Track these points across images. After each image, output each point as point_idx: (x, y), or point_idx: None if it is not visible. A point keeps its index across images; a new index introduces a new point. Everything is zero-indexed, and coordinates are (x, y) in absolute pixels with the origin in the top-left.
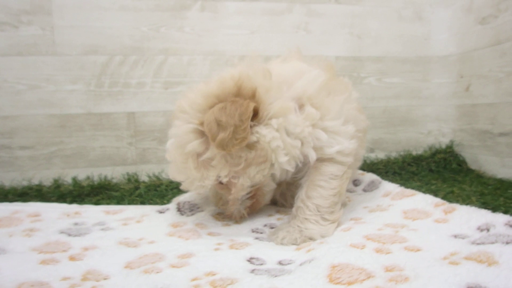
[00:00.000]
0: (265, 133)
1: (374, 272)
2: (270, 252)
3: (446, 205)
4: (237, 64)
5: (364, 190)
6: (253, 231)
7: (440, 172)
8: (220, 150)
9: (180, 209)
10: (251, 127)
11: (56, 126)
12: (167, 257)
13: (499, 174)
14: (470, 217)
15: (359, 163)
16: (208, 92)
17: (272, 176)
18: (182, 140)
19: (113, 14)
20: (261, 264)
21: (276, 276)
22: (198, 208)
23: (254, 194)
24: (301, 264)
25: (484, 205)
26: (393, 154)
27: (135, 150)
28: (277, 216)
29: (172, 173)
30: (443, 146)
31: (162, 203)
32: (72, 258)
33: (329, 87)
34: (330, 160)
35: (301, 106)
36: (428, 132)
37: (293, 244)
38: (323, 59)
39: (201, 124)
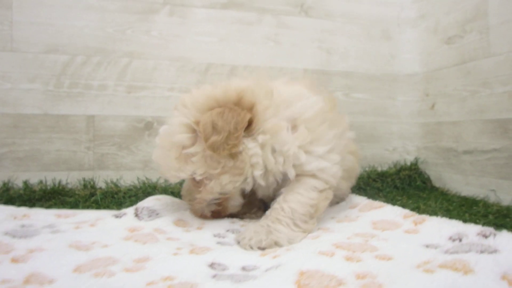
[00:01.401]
0: (250, 147)
1: (345, 279)
2: (233, 257)
3: (416, 216)
4: (245, 77)
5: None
6: (214, 236)
7: (405, 188)
8: (210, 151)
9: (138, 215)
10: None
11: (9, 126)
12: (122, 261)
13: (463, 192)
14: (440, 227)
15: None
16: (211, 95)
17: (242, 190)
18: (174, 129)
19: (77, 12)
20: (223, 270)
21: (239, 281)
22: (157, 214)
23: (221, 202)
24: (266, 270)
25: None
26: (359, 170)
27: (93, 155)
28: (241, 222)
29: (155, 156)
30: (408, 163)
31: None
32: (14, 260)
33: (325, 117)
34: (312, 175)
35: (294, 127)
36: (393, 149)
37: (259, 246)
38: (327, 91)
39: (197, 122)
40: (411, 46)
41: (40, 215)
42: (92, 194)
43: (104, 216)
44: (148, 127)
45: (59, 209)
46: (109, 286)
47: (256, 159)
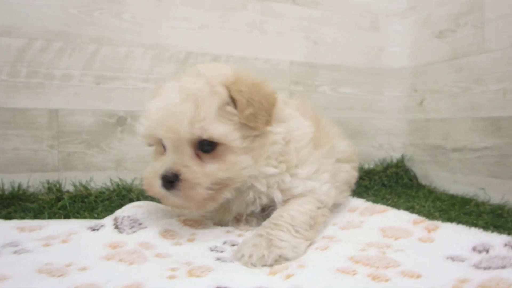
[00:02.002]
0: (276, 131)
1: None
2: (239, 278)
3: (427, 222)
4: None
5: None
6: (211, 250)
7: (392, 186)
8: (246, 121)
9: (118, 226)
10: None
11: None
12: None
13: (450, 189)
14: (458, 236)
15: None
16: (235, 70)
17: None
18: (212, 81)
19: None
20: None
21: None
22: (140, 224)
23: (219, 188)
24: None
25: (450, 221)
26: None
27: (57, 154)
28: (237, 232)
29: (171, 100)
30: (394, 161)
31: (92, 217)
32: None
33: (310, 138)
34: (304, 196)
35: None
36: (379, 146)
37: (263, 264)
38: (311, 110)
39: (226, 87)
40: (400, 39)
41: None
42: (59, 199)
43: (77, 229)
44: (121, 122)
45: (21, 220)
46: None
47: (275, 148)
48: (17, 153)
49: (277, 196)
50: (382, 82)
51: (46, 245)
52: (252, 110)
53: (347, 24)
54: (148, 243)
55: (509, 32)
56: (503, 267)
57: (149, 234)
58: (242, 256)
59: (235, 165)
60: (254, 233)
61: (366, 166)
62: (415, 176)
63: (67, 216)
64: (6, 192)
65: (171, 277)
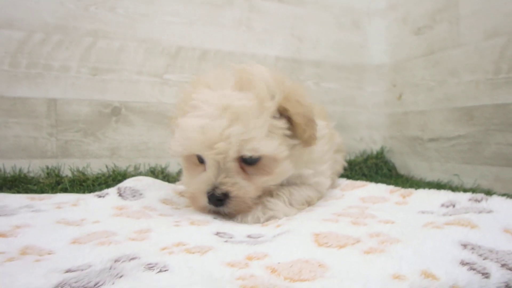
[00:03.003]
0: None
1: (361, 238)
2: (236, 227)
3: (402, 190)
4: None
5: None
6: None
7: (372, 176)
8: (306, 144)
9: (121, 194)
10: None
11: None
12: (121, 233)
13: (427, 177)
14: (430, 198)
15: None
16: (274, 77)
17: None
18: (258, 93)
19: None
20: (231, 237)
21: (255, 244)
22: (140, 194)
23: (264, 193)
24: (275, 236)
25: None
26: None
27: (56, 141)
28: None
29: (214, 126)
30: (374, 152)
31: None
32: (2, 235)
33: (328, 140)
34: (310, 185)
35: None
36: (361, 139)
37: (256, 223)
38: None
39: (281, 107)
40: (380, 37)
41: (11, 198)
42: (58, 183)
43: (85, 197)
44: (116, 112)
45: (29, 194)
46: (120, 252)
47: (313, 155)
48: (18, 140)
49: (297, 182)
50: (363, 77)
51: (59, 207)
52: (310, 132)
53: (330, 22)
54: (151, 206)
55: (482, 27)
56: (466, 213)
57: (150, 201)
58: (236, 216)
59: (281, 174)
60: None
61: (347, 158)
62: (394, 167)
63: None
64: (9, 176)
65: (176, 225)
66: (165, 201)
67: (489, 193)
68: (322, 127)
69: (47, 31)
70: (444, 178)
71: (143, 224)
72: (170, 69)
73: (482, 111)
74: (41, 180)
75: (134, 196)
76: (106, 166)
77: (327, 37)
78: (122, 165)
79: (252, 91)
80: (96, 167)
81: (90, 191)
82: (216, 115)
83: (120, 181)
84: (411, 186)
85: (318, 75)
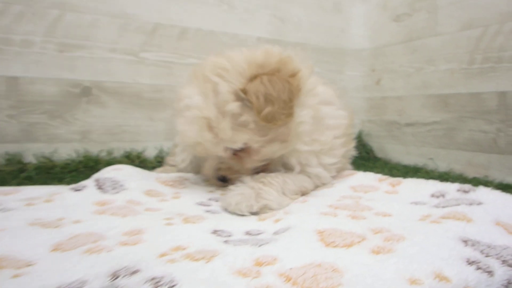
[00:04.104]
0: (299, 114)
1: (365, 235)
2: (233, 223)
3: (390, 179)
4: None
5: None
6: (199, 204)
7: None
8: (264, 122)
9: (101, 187)
10: None
11: None
12: (109, 236)
13: (404, 161)
14: (418, 187)
15: None
16: (253, 60)
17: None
18: (221, 99)
19: None
20: (230, 236)
21: (259, 244)
22: (121, 185)
23: (264, 168)
24: (275, 233)
25: None
26: None
27: (17, 124)
28: (220, 192)
29: (192, 133)
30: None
31: None
32: None
33: (344, 133)
34: (308, 176)
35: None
36: None
37: (250, 211)
38: (350, 107)
39: (244, 90)
40: (361, 21)
41: None
42: (21, 170)
43: (59, 191)
44: (86, 93)
45: None
46: (116, 263)
47: (303, 127)
48: None
49: (297, 168)
50: (343, 61)
51: (29, 204)
52: (270, 108)
53: (312, 5)
54: (135, 200)
55: (459, 17)
56: (457, 205)
57: (134, 194)
58: (229, 204)
59: (266, 154)
60: (242, 186)
61: None
62: (371, 150)
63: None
64: None
65: (169, 224)
66: (149, 193)
67: (461, 176)
68: (342, 116)
69: (5, 1)
70: (419, 161)
71: (132, 223)
72: (147, 47)
73: (456, 99)
74: (0, 168)
75: (114, 188)
76: (76, 151)
77: (309, 19)
78: (93, 149)
79: (219, 94)
80: (65, 152)
81: (59, 179)
82: (190, 122)
83: (92, 167)
84: (390, 169)
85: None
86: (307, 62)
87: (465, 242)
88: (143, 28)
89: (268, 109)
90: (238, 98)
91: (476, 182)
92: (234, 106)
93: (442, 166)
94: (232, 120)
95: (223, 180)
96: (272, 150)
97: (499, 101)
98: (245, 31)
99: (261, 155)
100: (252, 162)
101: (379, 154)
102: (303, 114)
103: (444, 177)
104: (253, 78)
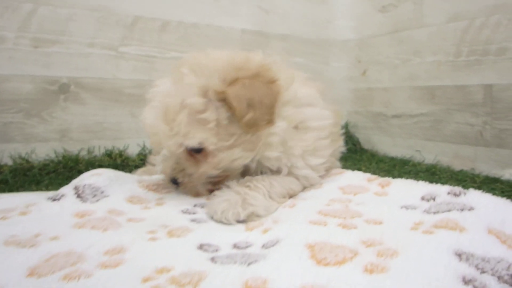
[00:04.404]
0: (275, 125)
1: (357, 248)
2: (220, 235)
3: (380, 179)
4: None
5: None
6: (184, 212)
7: None
8: (246, 128)
9: (80, 195)
10: None
11: None
12: (89, 255)
13: (390, 153)
14: (409, 189)
15: None
16: (231, 61)
17: (244, 168)
18: (185, 90)
19: None
20: (216, 251)
21: (248, 263)
22: (102, 192)
23: (220, 180)
24: (264, 246)
25: None
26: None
27: None
28: (206, 196)
29: (150, 119)
30: None
31: (40, 191)
32: None
33: (331, 132)
34: (296, 178)
35: (296, 128)
36: None
37: (236, 219)
38: (335, 104)
39: (221, 92)
40: (346, 12)
41: None
42: None
43: (34, 201)
44: (64, 90)
45: None
46: None
47: (273, 139)
48: None
49: (285, 171)
50: (328, 53)
51: (3, 218)
52: (252, 114)
53: None
54: (117, 209)
55: (445, 9)
56: (449, 210)
57: (115, 201)
58: (215, 212)
59: (223, 160)
60: (227, 191)
61: None
62: (358, 141)
63: (10, 191)
64: None
65: (153, 239)
66: (132, 200)
67: (449, 168)
68: (325, 117)
69: None
70: (406, 154)
71: (113, 239)
72: (127, 41)
73: (443, 91)
74: None
75: (95, 196)
76: (55, 151)
77: (294, 10)
78: (73, 149)
79: (184, 85)
80: (43, 152)
81: (37, 182)
82: (151, 110)
83: (72, 168)
84: (377, 161)
85: (285, 49)
86: (289, 70)
87: (459, 256)
88: (123, 22)
89: (250, 115)
90: (203, 94)
91: (463, 175)
92: (197, 101)
93: (429, 158)
94: (191, 114)
95: (174, 182)
96: (232, 157)
97: (485, 94)
98: (229, 23)
99: (217, 160)
100: (208, 167)
101: (366, 145)
102: (276, 125)
103: (432, 169)
104: (233, 81)
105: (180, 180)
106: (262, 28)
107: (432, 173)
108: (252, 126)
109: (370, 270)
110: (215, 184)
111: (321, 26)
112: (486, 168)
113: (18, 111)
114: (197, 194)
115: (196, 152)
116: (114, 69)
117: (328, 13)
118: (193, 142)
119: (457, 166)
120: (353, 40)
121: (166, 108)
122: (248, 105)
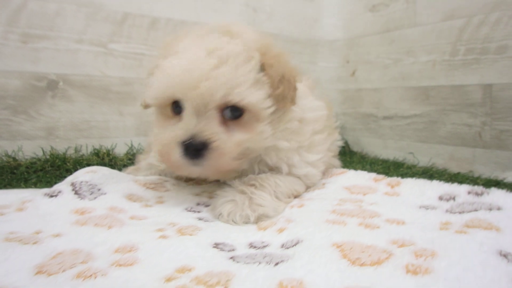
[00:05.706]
0: (295, 109)
1: (389, 249)
2: (232, 235)
3: (388, 179)
4: None
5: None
6: (188, 211)
7: None
8: (276, 102)
9: (77, 192)
10: None
11: None
12: (98, 253)
13: (381, 155)
14: (422, 188)
15: None
16: (259, 38)
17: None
18: (250, 42)
19: None
20: (233, 250)
21: (276, 264)
22: (99, 190)
23: (243, 157)
24: (283, 246)
25: None
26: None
27: None
28: (206, 194)
29: (185, 63)
30: None
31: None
32: None
33: (326, 125)
34: (297, 178)
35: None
36: None
37: (246, 222)
38: (325, 96)
39: (264, 63)
40: (334, 11)
41: None
42: None
43: (30, 197)
44: (52, 86)
45: None
46: None
47: (292, 124)
48: None
49: (284, 169)
50: (316, 52)
51: (0, 214)
52: (282, 89)
53: None
54: (117, 207)
55: (439, 8)
56: (476, 210)
57: (114, 199)
58: (221, 214)
59: (260, 134)
60: (231, 191)
61: None
62: (346, 143)
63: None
64: None
65: (163, 237)
66: (131, 197)
67: (445, 171)
68: (319, 107)
69: None
70: (398, 156)
71: (121, 237)
72: (116, 38)
73: (438, 91)
74: None
75: (92, 193)
76: (42, 149)
77: (282, 9)
78: (60, 147)
79: (239, 39)
80: (30, 150)
81: (24, 180)
82: (203, 56)
83: (59, 166)
84: (370, 163)
85: None
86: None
87: (505, 257)
88: (112, 18)
89: (281, 88)
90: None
91: (462, 177)
92: (259, 57)
93: (423, 160)
94: (254, 67)
95: (198, 152)
96: (266, 134)
97: (484, 94)
98: (217, 21)
99: (256, 132)
100: (244, 140)
101: (355, 147)
102: (296, 110)
103: (429, 172)
104: (270, 55)
105: (215, 144)
106: (249, 27)
107: (430, 176)
108: (280, 100)
109: (413, 271)
110: (238, 162)
111: (308, 25)
112: (484, 171)
113: (5, 108)
114: (219, 169)
115: (233, 118)
116: (102, 66)
117: (316, 12)
118: (254, 99)
119: (453, 168)
120: (341, 39)
121: (228, 54)
122: (279, 80)
